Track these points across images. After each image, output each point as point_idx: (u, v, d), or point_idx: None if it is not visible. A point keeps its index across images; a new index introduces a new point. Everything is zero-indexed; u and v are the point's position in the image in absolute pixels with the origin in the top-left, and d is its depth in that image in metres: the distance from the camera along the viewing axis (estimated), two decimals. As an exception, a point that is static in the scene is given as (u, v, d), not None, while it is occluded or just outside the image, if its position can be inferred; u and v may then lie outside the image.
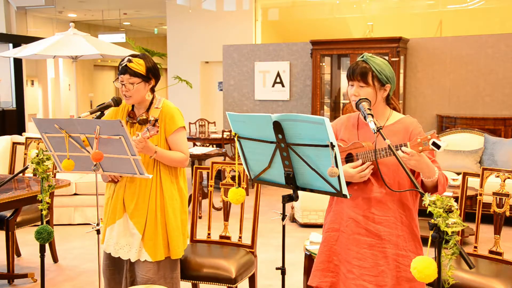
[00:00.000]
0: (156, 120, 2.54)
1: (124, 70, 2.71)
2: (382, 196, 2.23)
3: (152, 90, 2.84)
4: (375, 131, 2.02)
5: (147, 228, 2.78)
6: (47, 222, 4.29)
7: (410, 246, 2.24)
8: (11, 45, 10.84)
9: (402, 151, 2.03)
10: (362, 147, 2.22)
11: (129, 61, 2.71)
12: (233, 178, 3.04)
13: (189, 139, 7.58)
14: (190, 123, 8.69)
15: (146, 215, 2.78)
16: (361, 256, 2.25)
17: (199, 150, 6.63)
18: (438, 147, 1.93)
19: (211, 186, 3.35)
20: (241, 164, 2.33)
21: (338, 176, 1.94)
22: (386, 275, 2.21)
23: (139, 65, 2.72)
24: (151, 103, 2.84)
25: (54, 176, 4.45)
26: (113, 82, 2.86)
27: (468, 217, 3.71)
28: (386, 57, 7.09)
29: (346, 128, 2.39)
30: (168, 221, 2.80)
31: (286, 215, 2.23)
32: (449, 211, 1.72)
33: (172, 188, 2.83)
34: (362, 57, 2.29)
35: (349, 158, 2.27)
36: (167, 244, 2.82)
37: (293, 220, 5.84)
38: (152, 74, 2.78)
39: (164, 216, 2.80)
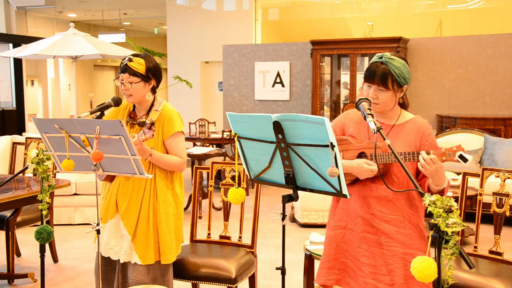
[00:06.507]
0: (152, 124, 2.53)
1: (124, 68, 2.71)
2: (391, 195, 2.24)
3: (153, 91, 2.83)
4: (375, 131, 2.02)
5: (138, 230, 2.77)
6: (47, 222, 4.29)
7: (417, 245, 2.25)
8: (11, 45, 10.84)
9: (425, 157, 2.03)
10: (378, 148, 2.19)
11: (130, 60, 2.71)
12: (233, 178, 3.04)
13: (189, 139, 7.58)
14: (190, 123, 8.68)
15: (138, 218, 2.77)
16: (370, 254, 2.26)
17: (199, 150, 6.63)
18: (465, 160, 1.92)
19: (211, 186, 3.35)
20: (241, 164, 2.33)
21: (338, 176, 1.94)
22: (395, 274, 2.22)
23: (139, 65, 2.71)
24: (152, 104, 2.83)
25: (54, 176, 4.45)
26: (114, 80, 2.86)
27: (468, 217, 3.70)
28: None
29: (356, 123, 2.36)
30: (160, 225, 2.78)
31: (286, 215, 2.23)
32: (449, 211, 1.72)
33: (167, 193, 2.81)
34: (381, 57, 2.23)
35: (361, 156, 2.26)
36: (158, 248, 2.80)
37: (293, 220, 5.84)
38: (152, 74, 2.76)
39: (156, 221, 2.78)
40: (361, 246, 2.28)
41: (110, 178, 2.82)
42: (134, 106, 2.87)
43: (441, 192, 2.16)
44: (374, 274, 2.23)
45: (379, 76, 2.19)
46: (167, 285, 2.88)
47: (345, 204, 2.37)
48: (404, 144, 2.23)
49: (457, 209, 1.74)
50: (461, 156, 1.94)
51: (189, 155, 6.21)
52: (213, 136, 7.95)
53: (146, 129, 2.53)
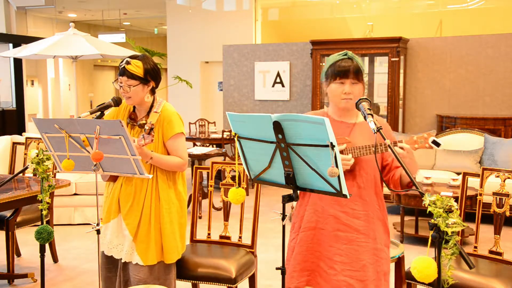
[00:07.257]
0: (151, 129, 2.53)
1: (122, 71, 2.70)
2: (361, 191, 2.28)
3: (153, 92, 2.83)
4: (375, 131, 2.03)
5: (140, 231, 2.77)
6: (47, 222, 4.29)
7: (384, 240, 2.33)
8: (11, 45, 10.84)
9: (400, 148, 2.08)
10: (349, 142, 2.25)
11: (127, 63, 2.69)
12: (233, 178, 3.04)
13: (189, 139, 7.57)
14: (190, 123, 8.69)
15: (140, 218, 2.77)
16: (342, 252, 2.28)
17: (199, 150, 6.63)
18: (438, 145, 1.97)
19: (211, 186, 3.35)
20: (241, 164, 2.33)
21: (338, 176, 1.94)
22: (367, 270, 2.26)
23: (137, 68, 2.70)
24: (152, 106, 2.83)
25: (54, 176, 4.45)
26: (113, 82, 2.85)
27: (468, 217, 3.70)
28: (386, 57, 7.13)
29: None
30: (163, 226, 2.79)
31: (286, 215, 2.23)
32: (449, 211, 1.72)
33: (169, 192, 2.81)
34: (345, 54, 2.30)
35: None
36: (161, 248, 2.80)
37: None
38: (151, 76, 2.75)
39: (159, 221, 2.79)
40: (333, 245, 2.30)
41: (114, 178, 2.83)
42: (134, 107, 2.87)
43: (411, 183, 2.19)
44: (346, 271, 2.26)
45: (354, 70, 2.26)
46: (169, 283, 2.88)
47: (312, 204, 2.38)
48: (368, 142, 2.26)
49: (457, 209, 1.74)
50: (434, 142, 1.99)
51: (189, 155, 6.21)
52: (213, 136, 7.95)
53: (146, 134, 2.54)
